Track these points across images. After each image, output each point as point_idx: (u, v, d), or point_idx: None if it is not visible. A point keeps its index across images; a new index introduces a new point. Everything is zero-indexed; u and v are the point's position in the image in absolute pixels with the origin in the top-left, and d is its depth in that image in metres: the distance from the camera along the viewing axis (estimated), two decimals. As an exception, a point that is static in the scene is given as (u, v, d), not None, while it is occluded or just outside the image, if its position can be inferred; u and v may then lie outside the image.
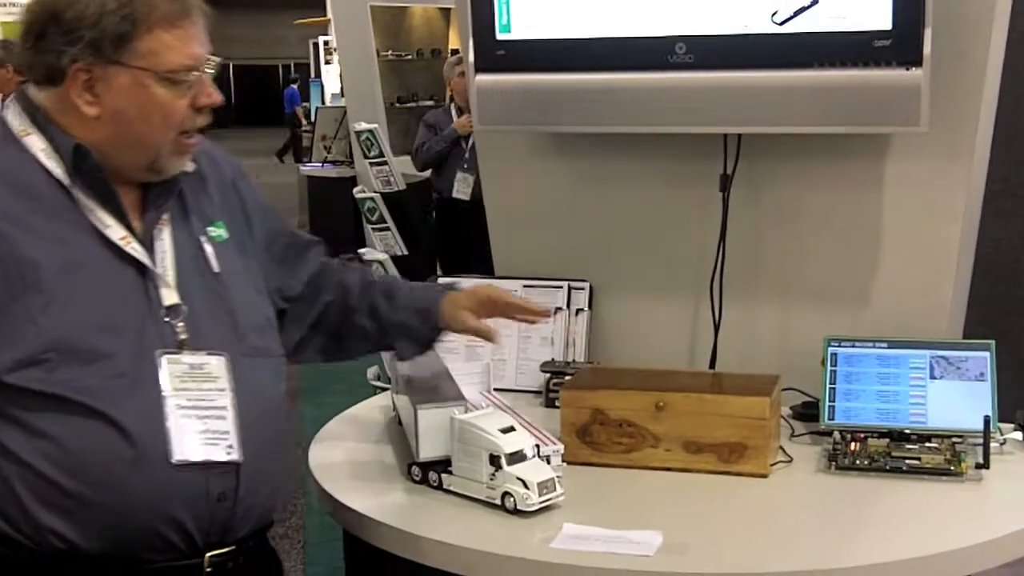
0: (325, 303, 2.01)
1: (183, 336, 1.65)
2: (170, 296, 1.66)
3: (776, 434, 2.01)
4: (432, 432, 1.87)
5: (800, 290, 2.33)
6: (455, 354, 2.45)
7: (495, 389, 2.37)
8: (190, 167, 1.75)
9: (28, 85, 1.69)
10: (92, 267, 1.62)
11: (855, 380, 2.07)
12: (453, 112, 6.51)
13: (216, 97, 1.70)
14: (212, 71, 1.71)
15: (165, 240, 1.70)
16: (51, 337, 1.55)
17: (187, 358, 1.64)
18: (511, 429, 1.81)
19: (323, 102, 15.59)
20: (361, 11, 8.64)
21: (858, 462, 1.94)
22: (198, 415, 1.63)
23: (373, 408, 2.37)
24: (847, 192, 2.28)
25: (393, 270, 2.75)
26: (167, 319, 1.65)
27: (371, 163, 2.70)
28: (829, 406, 2.06)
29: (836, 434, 2.01)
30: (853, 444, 1.98)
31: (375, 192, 2.69)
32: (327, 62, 18.59)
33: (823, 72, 2.07)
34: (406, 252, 3.04)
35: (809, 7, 2.06)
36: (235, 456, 1.63)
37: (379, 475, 1.99)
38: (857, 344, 2.09)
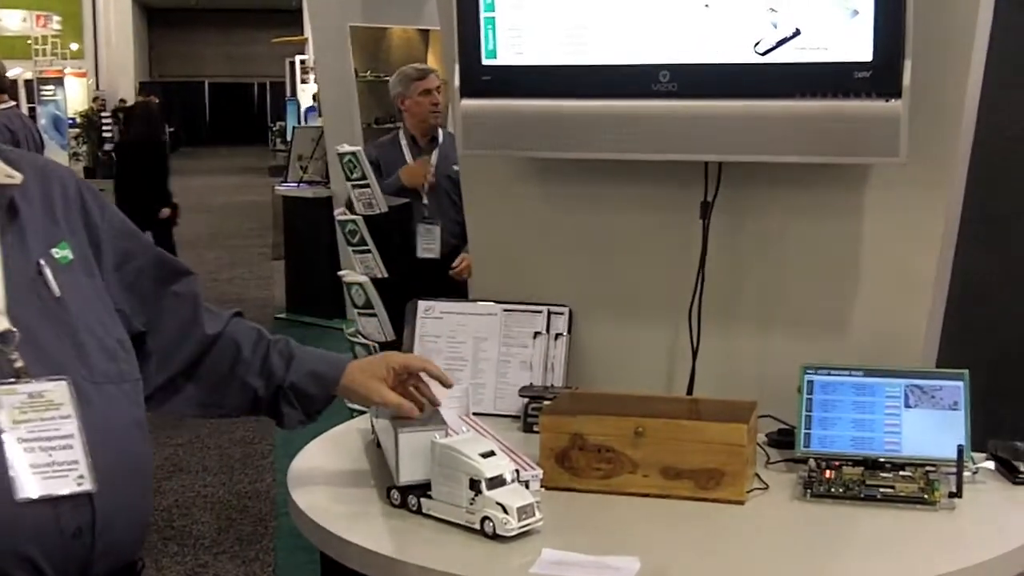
0: (203, 348, 1.91)
1: (18, 364, 1.56)
2: (0, 322, 1.57)
3: (752, 461, 2.02)
4: (412, 456, 1.87)
5: (778, 317, 2.35)
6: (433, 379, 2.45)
7: (473, 413, 2.37)
8: (16, 180, 1.65)
9: None
10: None
11: (831, 408, 2.08)
12: (403, 142, 5.36)
13: None
14: None
15: None
16: None
17: (24, 387, 1.55)
18: (491, 454, 1.81)
19: (299, 121, 15.61)
20: (340, 31, 8.65)
21: (833, 490, 1.95)
22: (41, 447, 1.53)
23: (351, 431, 2.36)
24: (825, 220, 2.30)
25: (373, 292, 2.77)
26: None
27: (353, 186, 2.71)
28: (805, 433, 2.07)
29: (811, 461, 2.02)
30: (828, 472, 1.99)
31: (357, 215, 2.70)
32: (303, 81, 18.64)
33: (804, 102, 2.10)
34: (387, 275, 3.05)
35: (791, 38, 2.09)
36: (87, 486, 1.54)
37: (358, 498, 1.98)
38: (833, 372, 2.11)
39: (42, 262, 1.66)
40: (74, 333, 1.64)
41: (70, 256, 1.70)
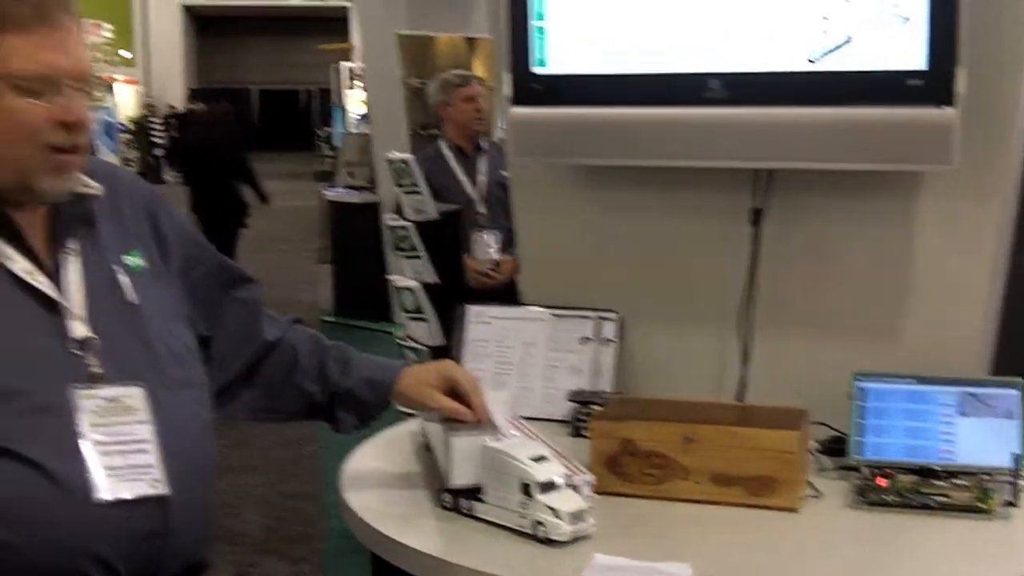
0: (261, 353, 1.94)
1: (96, 369, 1.60)
2: (79, 329, 1.60)
3: (805, 468, 2.02)
4: (464, 459, 1.89)
5: (829, 324, 2.34)
6: (484, 382, 2.46)
7: (522, 417, 2.38)
8: (94, 190, 1.68)
9: None
10: None
11: (883, 416, 2.08)
12: (447, 152, 5.15)
13: (79, 115, 1.58)
14: (86, 89, 1.60)
15: (73, 271, 1.64)
16: None
17: (102, 391, 1.59)
18: (543, 458, 1.82)
19: (345, 127, 15.70)
20: (387, 39, 8.70)
21: (886, 498, 1.94)
22: (118, 450, 1.57)
23: (402, 434, 2.38)
24: (877, 227, 2.30)
25: (423, 297, 2.80)
26: (78, 352, 1.60)
27: (404, 192, 2.73)
28: (857, 441, 2.07)
29: (865, 469, 2.01)
30: (882, 480, 1.98)
31: (408, 221, 2.72)
32: (350, 87, 18.74)
33: (856, 110, 2.09)
34: (438, 281, 3.06)
35: (842, 46, 2.09)
36: (162, 490, 1.58)
37: (409, 501, 2.00)
38: (886, 380, 2.10)
39: (117, 269, 1.70)
40: (147, 339, 1.68)
41: (141, 263, 1.74)
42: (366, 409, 2.00)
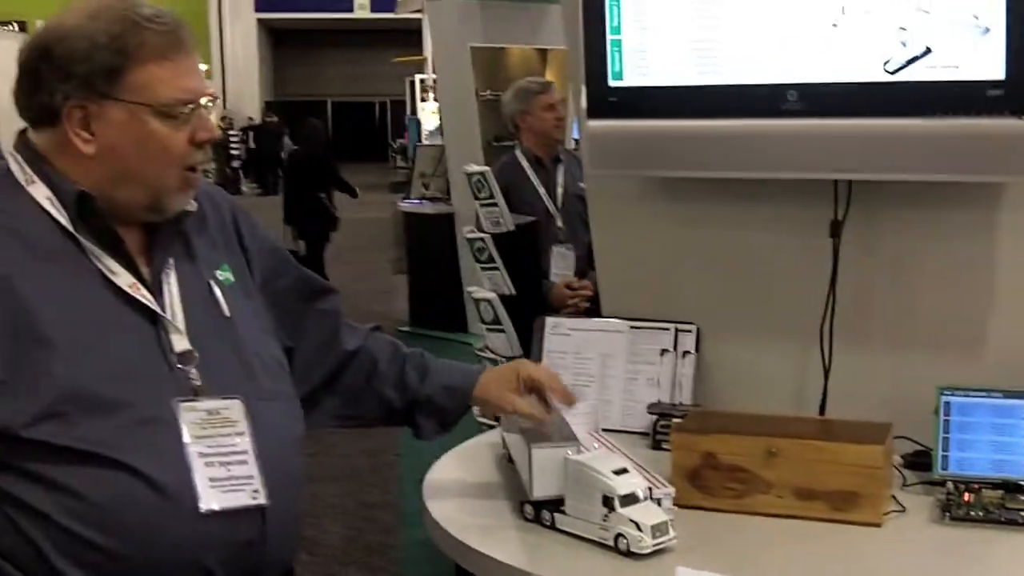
0: (342, 362, 1.98)
1: (197, 382, 1.64)
2: (181, 342, 1.65)
3: (889, 483, 2.00)
4: (546, 471, 1.90)
5: (912, 337, 2.32)
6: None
7: (602, 430, 2.39)
8: (192, 206, 1.73)
9: (28, 129, 1.68)
10: (102, 316, 1.60)
11: (969, 430, 2.05)
12: (524, 163, 4.89)
13: (215, 132, 1.68)
14: (210, 106, 1.68)
15: (173, 285, 1.69)
16: (66, 389, 1.53)
17: (203, 404, 1.63)
18: (624, 471, 1.83)
19: (419, 139, 15.83)
20: (461, 51, 8.76)
21: (972, 513, 1.92)
22: (221, 461, 1.61)
23: (482, 445, 2.41)
24: (960, 239, 2.27)
25: (501, 309, 2.83)
26: (180, 366, 1.64)
27: (481, 204, 2.76)
28: (942, 456, 2.05)
29: (950, 484, 1.99)
30: (967, 495, 1.96)
31: (485, 232, 2.76)
32: (423, 99, 18.90)
33: (935, 121, 2.07)
34: (514, 292, 3.09)
35: (921, 57, 2.07)
36: (261, 500, 1.63)
37: (491, 512, 2.02)
38: (971, 393, 2.08)
39: (211, 283, 1.75)
40: (242, 352, 1.73)
41: (231, 278, 1.79)
42: (446, 415, 2.03)
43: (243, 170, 25.27)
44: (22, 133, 1.69)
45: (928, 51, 2.07)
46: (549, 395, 2.00)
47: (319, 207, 10.29)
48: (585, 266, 4.38)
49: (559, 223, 4.73)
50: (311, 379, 1.96)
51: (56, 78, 1.60)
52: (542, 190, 4.83)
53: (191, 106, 1.65)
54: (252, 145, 25.91)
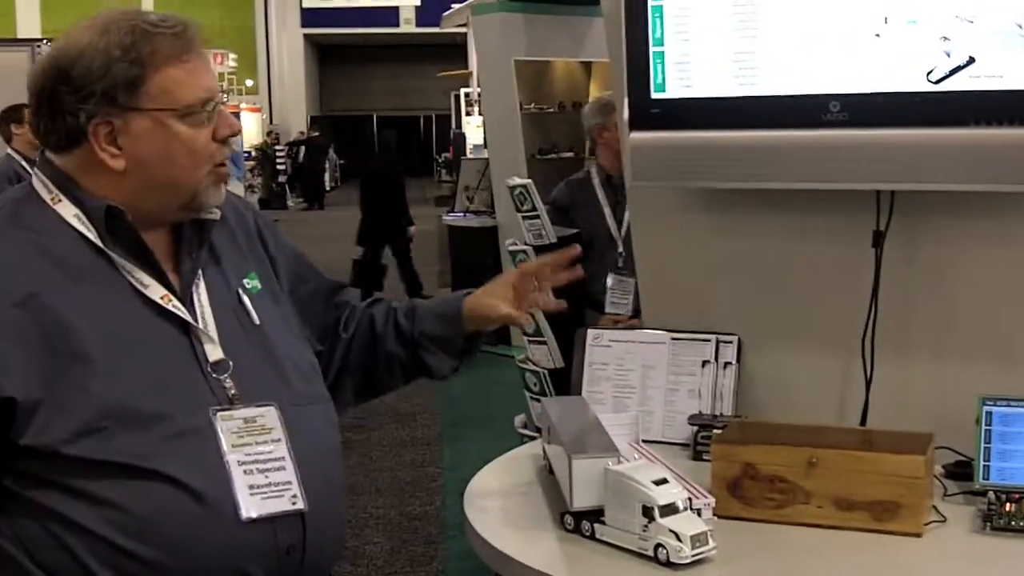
0: (347, 341, 1.99)
1: (233, 391, 1.65)
2: (215, 351, 1.66)
3: (930, 493, 1.99)
4: (586, 482, 1.91)
5: (954, 347, 2.31)
6: (603, 405, 2.49)
7: (642, 440, 2.39)
8: (216, 215, 1.74)
9: (47, 152, 1.68)
10: (136, 329, 1.61)
11: (1011, 440, 2.04)
12: (595, 181, 4.68)
13: (236, 126, 1.70)
14: (225, 102, 1.70)
15: (203, 295, 1.70)
16: (104, 404, 1.54)
17: (239, 412, 1.64)
18: (664, 481, 1.84)
19: (464, 152, 15.90)
20: (505, 65, 8.81)
21: (1014, 523, 1.91)
22: (259, 468, 1.62)
23: (524, 456, 2.42)
24: (1002, 249, 2.26)
25: (543, 320, 2.83)
26: (215, 375, 1.65)
27: (524, 217, 2.77)
28: (984, 465, 2.04)
29: (991, 494, 1.98)
30: (1008, 505, 1.95)
31: (527, 245, 2.77)
32: (467, 113, 18.98)
33: (979, 130, 2.07)
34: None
35: (965, 66, 2.07)
36: (300, 505, 1.63)
37: (532, 522, 2.03)
38: (1013, 403, 2.06)
39: (240, 291, 1.77)
40: (274, 358, 1.74)
41: (259, 285, 1.81)
42: (447, 343, 2.01)
43: (288, 184, 25.48)
44: (43, 154, 1.70)
45: (972, 60, 2.06)
46: (541, 275, 2.02)
47: (397, 216, 10.63)
48: None
49: (620, 248, 4.42)
50: (331, 369, 1.98)
51: (77, 99, 1.60)
52: (607, 211, 4.59)
53: (212, 103, 1.66)
54: (300, 160, 26.14)
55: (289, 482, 1.64)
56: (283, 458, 1.65)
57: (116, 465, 1.54)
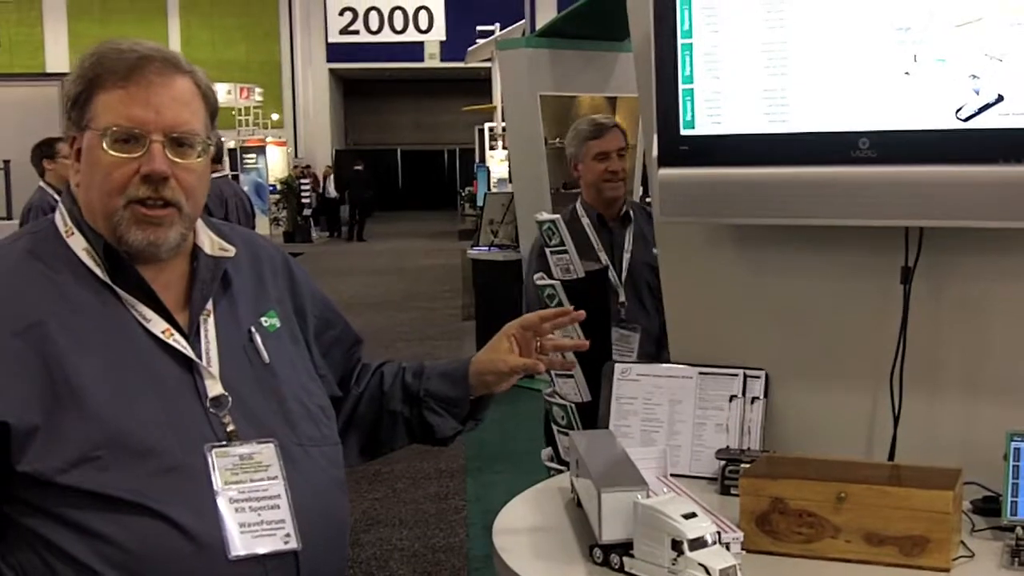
0: (356, 396, 2.01)
1: (230, 427, 1.66)
2: (214, 387, 1.67)
3: (958, 528, 1.99)
4: (615, 515, 1.91)
5: (982, 383, 2.31)
6: (631, 439, 2.50)
7: (670, 474, 2.40)
8: (229, 252, 1.77)
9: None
10: (137, 363, 1.63)
11: (1040, 477, 2.04)
12: (584, 219, 4.01)
13: (160, 168, 1.64)
14: (186, 143, 1.66)
15: (210, 331, 1.71)
16: (100, 434, 1.56)
17: (236, 449, 1.64)
18: (693, 515, 1.84)
19: (488, 187, 15.96)
20: (531, 100, 8.85)
21: (1043, 560, 1.91)
22: (251, 507, 1.62)
23: (552, 490, 2.42)
24: (1031, 286, 2.27)
25: (570, 354, 2.83)
26: (213, 410, 1.66)
27: (551, 251, 2.79)
28: (1012, 501, 2.04)
29: (1019, 530, 1.97)
30: (1038, 541, 1.95)
31: (555, 280, 2.78)
32: (492, 147, 19.06)
33: (1008, 168, 2.08)
34: (583, 337, 3.06)
35: (994, 104, 2.08)
36: (293, 544, 1.63)
37: (561, 555, 2.04)
38: (1042, 440, 2.06)
39: (252, 329, 1.78)
40: (281, 397, 1.75)
41: (277, 324, 1.82)
42: (452, 404, 2.02)
43: (313, 218, 25.62)
44: (68, 187, 1.76)
45: (1000, 99, 2.08)
46: (546, 329, 2.01)
47: None
48: (655, 348, 3.80)
49: (622, 298, 3.94)
50: (340, 422, 1.97)
51: (68, 117, 1.70)
52: (603, 256, 3.94)
53: (137, 134, 1.64)
54: (333, 194, 26.27)
55: (282, 520, 1.64)
56: (278, 496, 1.65)
57: (108, 498, 1.55)
